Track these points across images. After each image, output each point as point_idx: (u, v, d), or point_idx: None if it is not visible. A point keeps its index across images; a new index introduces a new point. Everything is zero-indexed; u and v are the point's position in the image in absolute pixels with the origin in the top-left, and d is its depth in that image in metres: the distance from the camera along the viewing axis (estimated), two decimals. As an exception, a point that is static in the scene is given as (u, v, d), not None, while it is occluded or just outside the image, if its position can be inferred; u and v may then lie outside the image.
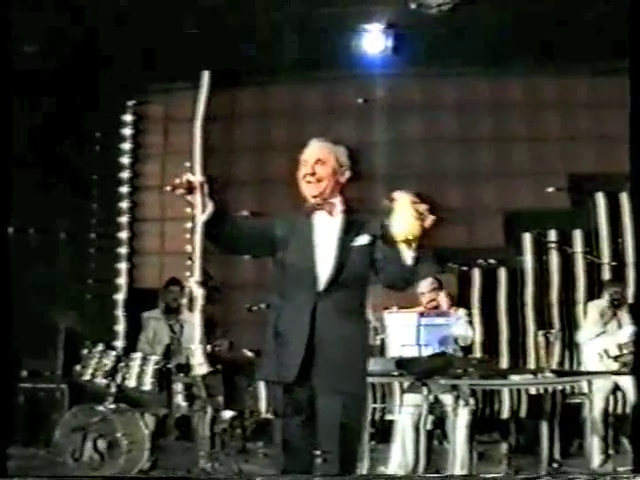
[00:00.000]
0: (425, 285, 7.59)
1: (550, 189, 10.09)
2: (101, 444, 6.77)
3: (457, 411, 6.56)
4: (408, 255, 4.15)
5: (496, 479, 6.41)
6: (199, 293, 4.88)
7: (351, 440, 4.33)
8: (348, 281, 4.35)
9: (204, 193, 4.26)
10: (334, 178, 4.46)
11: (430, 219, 4.10)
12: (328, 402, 4.25)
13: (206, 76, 4.62)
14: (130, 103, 11.13)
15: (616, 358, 7.94)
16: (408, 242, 4.15)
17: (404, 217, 4.15)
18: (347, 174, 4.52)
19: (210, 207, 4.27)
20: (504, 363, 9.68)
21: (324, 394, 4.27)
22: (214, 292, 7.23)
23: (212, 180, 4.33)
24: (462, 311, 7.83)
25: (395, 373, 6.51)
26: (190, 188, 4.24)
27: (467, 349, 7.65)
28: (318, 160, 4.47)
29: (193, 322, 7.77)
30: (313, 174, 4.44)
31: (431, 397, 6.59)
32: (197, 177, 4.28)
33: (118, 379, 7.03)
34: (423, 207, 4.13)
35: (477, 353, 7.82)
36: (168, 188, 4.27)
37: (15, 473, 6.22)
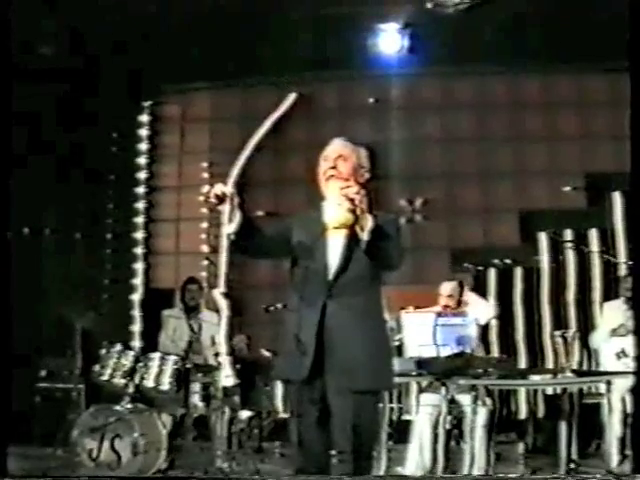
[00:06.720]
0: (447, 288, 7.55)
1: (566, 188, 10.06)
2: (118, 444, 6.76)
3: (475, 411, 6.54)
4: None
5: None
6: (224, 305, 4.88)
7: (365, 440, 4.31)
8: (357, 279, 4.34)
9: (234, 204, 4.27)
10: (354, 177, 4.44)
11: (363, 204, 4.15)
12: (340, 402, 4.24)
13: (292, 97, 4.64)
14: (146, 104, 11.15)
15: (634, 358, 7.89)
16: (339, 229, 4.30)
17: (332, 205, 4.33)
18: (366, 175, 4.51)
19: (238, 218, 4.29)
20: (522, 363, 9.66)
21: (336, 393, 4.25)
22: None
23: (242, 190, 4.35)
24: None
25: (414, 373, 6.48)
26: (221, 199, 4.27)
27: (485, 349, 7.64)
28: (340, 156, 4.48)
29: (212, 321, 7.84)
30: (334, 167, 4.45)
31: (449, 397, 6.57)
32: (228, 188, 4.29)
33: (136, 379, 7.03)
34: (353, 192, 4.16)
35: (494, 353, 7.79)
36: (201, 197, 4.30)
37: (33, 474, 6.25)
